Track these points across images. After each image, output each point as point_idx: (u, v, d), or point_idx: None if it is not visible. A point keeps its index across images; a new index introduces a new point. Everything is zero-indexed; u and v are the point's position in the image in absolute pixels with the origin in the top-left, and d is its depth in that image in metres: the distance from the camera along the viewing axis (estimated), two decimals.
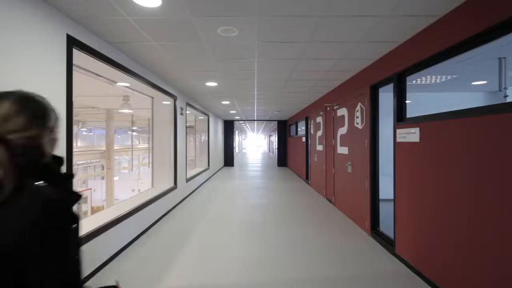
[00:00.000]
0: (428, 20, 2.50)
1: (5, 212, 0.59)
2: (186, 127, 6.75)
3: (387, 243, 3.42)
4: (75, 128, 18.31)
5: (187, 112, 6.84)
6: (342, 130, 5.19)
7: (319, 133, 7.12)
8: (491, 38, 2.00)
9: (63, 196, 0.71)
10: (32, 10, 2.01)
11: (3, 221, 0.59)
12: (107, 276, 2.82)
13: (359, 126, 4.32)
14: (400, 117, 3.10)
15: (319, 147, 7.11)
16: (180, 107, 6.05)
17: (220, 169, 12.79)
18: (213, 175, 10.61)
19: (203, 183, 8.60)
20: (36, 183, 0.67)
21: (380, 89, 3.79)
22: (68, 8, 2.26)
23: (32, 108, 0.72)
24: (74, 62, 2.48)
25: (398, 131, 3.12)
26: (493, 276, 1.95)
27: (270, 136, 32.69)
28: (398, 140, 3.13)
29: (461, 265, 2.24)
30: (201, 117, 9.55)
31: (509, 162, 1.82)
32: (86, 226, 2.89)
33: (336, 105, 5.53)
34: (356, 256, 3.28)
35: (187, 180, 6.67)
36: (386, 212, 3.72)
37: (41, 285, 0.61)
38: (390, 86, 3.31)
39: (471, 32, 2.09)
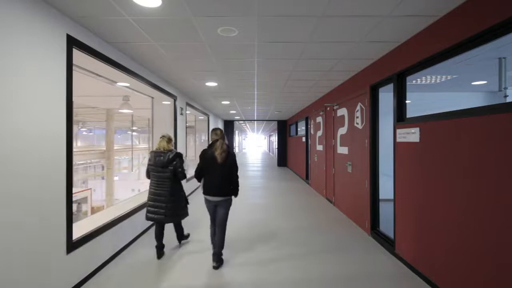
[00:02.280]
0: (428, 20, 2.50)
1: (230, 155, 3.02)
2: (186, 127, 6.76)
3: (387, 243, 3.42)
4: (75, 128, 18.32)
5: (187, 112, 6.84)
6: (342, 130, 5.19)
7: (319, 133, 7.12)
8: (491, 38, 2.00)
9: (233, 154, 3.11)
10: (32, 10, 2.01)
11: (230, 157, 3.02)
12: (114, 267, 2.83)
13: (359, 126, 4.32)
14: (400, 117, 3.10)
15: (319, 147, 7.12)
16: (180, 107, 6.05)
17: None
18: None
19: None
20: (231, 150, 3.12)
21: (380, 89, 3.79)
22: (68, 8, 2.26)
23: (223, 132, 3.11)
24: (74, 62, 2.49)
25: (398, 131, 3.12)
26: (493, 276, 1.95)
27: (270, 136, 32.69)
28: (398, 140, 3.13)
29: (461, 265, 2.24)
30: (201, 117, 9.55)
31: (510, 161, 1.82)
32: (86, 227, 2.90)
33: (336, 105, 5.53)
34: (355, 256, 3.28)
35: (187, 180, 6.67)
36: (386, 212, 3.72)
37: (233, 173, 3.04)
38: (390, 86, 3.31)
39: (471, 32, 2.09)
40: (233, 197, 3.11)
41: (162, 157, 3.17)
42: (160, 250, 3.26)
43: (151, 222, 4.06)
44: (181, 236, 3.59)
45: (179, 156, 3.24)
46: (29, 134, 2.00)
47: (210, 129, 10.60)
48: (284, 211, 5.41)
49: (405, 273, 2.86)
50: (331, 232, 4.12)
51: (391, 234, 3.36)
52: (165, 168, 3.17)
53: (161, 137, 3.31)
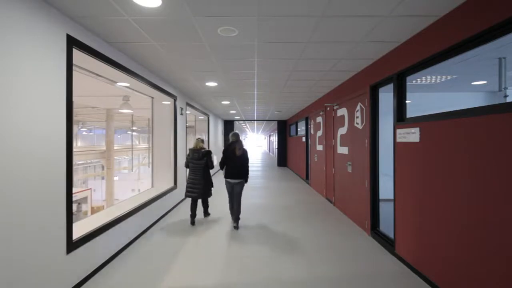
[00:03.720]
0: (428, 20, 2.50)
1: (244, 151, 4.35)
2: (186, 127, 6.75)
3: (387, 243, 3.42)
4: (75, 128, 18.30)
5: (187, 112, 6.83)
6: (342, 130, 5.19)
7: (319, 133, 7.12)
8: (490, 39, 2.00)
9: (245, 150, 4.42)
10: (32, 10, 2.01)
11: (245, 153, 4.37)
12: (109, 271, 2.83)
13: (359, 126, 4.31)
14: (401, 117, 3.10)
15: (319, 147, 7.11)
16: (180, 107, 6.05)
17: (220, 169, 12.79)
18: (213, 174, 10.61)
19: None
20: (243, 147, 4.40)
21: (380, 89, 3.79)
22: (68, 8, 2.26)
23: (239, 136, 4.50)
24: (74, 62, 2.48)
25: (398, 131, 3.12)
26: (494, 276, 1.95)
27: (270, 136, 32.67)
28: (398, 140, 3.13)
29: (461, 265, 2.23)
30: (201, 117, 9.55)
31: (509, 161, 1.82)
32: (87, 226, 2.90)
33: (336, 105, 5.53)
34: (355, 256, 3.28)
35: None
36: (386, 212, 3.72)
37: (246, 164, 4.35)
38: (390, 86, 3.31)
39: (471, 32, 2.09)
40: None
41: (197, 154, 4.46)
42: (192, 219, 4.50)
43: (155, 220, 4.55)
44: (206, 212, 4.95)
45: (209, 153, 4.52)
46: (29, 134, 1.99)
47: (210, 129, 10.68)
48: (284, 211, 5.41)
49: (405, 273, 2.85)
50: (331, 232, 4.11)
51: (391, 234, 3.36)
52: (199, 161, 4.43)
53: (196, 139, 4.65)
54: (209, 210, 5.15)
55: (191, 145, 4.81)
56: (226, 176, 4.36)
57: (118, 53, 3.28)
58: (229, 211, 4.68)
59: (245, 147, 4.46)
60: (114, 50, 3.20)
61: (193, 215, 4.50)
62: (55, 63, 2.25)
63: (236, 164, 4.27)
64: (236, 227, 4.27)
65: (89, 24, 2.58)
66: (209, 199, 5.35)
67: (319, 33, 2.79)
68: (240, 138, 4.47)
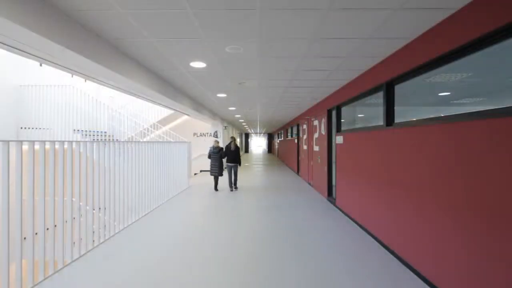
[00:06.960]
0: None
1: (237, 147, 7.91)
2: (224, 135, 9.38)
3: (334, 200, 5.92)
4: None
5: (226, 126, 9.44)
6: (316, 135, 7.69)
7: (305, 136, 9.61)
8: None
9: (238, 147, 7.85)
10: None
11: (237, 148, 7.92)
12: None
13: (323, 133, 6.82)
14: (338, 129, 5.60)
15: (305, 147, 9.61)
16: (224, 126, 8.89)
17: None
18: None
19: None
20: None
21: (333, 111, 6.28)
22: (155, 66, 4.79)
23: (235, 139, 7.81)
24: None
25: (336, 137, 5.62)
26: (380, 212, 4.45)
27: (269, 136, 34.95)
28: (336, 142, 5.63)
29: (362, 206, 4.73)
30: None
31: (364, 149, 4.32)
32: None
33: (313, 118, 8.03)
34: (317, 208, 5.78)
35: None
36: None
37: (238, 154, 7.85)
38: (336, 110, 5.80)
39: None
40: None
41: (215, 149, 7.69)
42: (216, 188, 7.77)
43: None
44: (216, 186, 7.87)
45: (222, 149, 7.80)
46: None
47: (239, 136, 13.52)
48: (274, 184, 7.93)
49: (337, 211, 5.36)
50: (306, 197, 6.62)
51: (335, 195, 5.85)
52: (216, 154, 7.66)
53: (214, 141, 7.90)
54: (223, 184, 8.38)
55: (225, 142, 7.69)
56: (227, 162, 7.83)
57: (181, 95, 5.80)
58: (232, 184, 7.81)
59: (238, 145, 7.86)
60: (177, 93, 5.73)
61: (216, 185, 7.80)
62: None
63: (232, 154, 7.75)
64: (236, 189, 7.76)
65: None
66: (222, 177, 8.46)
67: (300, 72, 5.28)
68: (235, 139, 7.93)
